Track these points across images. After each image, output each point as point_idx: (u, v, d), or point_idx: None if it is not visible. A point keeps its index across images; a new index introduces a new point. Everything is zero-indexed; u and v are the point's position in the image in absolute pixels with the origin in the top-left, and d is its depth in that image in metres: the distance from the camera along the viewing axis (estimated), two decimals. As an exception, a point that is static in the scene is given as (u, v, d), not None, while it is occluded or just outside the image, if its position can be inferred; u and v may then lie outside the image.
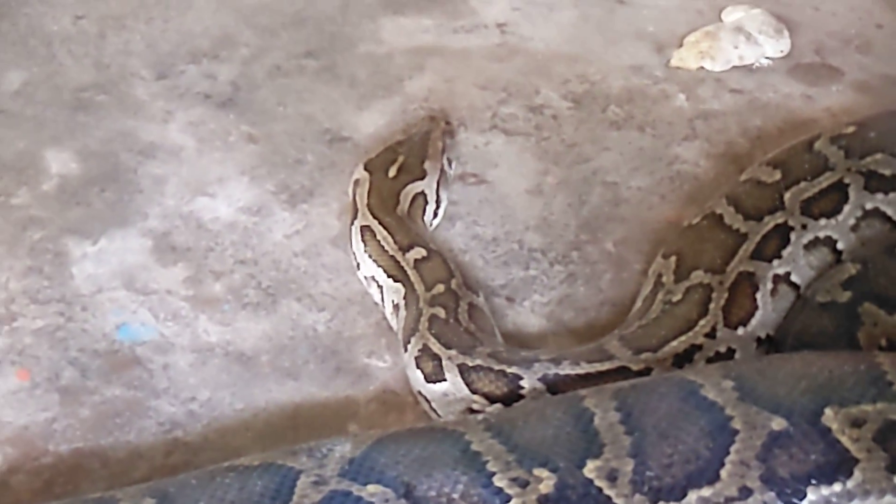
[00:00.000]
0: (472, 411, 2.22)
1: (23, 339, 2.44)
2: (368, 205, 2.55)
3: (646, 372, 2.19)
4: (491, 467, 1.90)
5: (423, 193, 2.60)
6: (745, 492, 1.90)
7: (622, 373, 2.18)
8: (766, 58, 3.08)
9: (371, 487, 1.90)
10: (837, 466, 1.90)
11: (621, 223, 2.68)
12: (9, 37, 3.17)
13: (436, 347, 2.27)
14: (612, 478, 1.89)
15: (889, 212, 2.48)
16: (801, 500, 1.90)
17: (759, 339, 2.33)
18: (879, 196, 2.48)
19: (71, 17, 3.23)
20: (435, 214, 2.63)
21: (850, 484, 1.90)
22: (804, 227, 2.43)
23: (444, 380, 2.25)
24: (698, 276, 2.34)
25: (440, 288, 2.38)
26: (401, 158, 2.64)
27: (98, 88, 3.02)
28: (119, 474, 2.22)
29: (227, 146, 2.86)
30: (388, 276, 2.45)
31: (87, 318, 2.48)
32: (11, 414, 2.31)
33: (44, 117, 2.93)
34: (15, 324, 2.46)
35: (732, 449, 1.90)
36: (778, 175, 2.48)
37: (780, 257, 2.40)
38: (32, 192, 2.74)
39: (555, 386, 2.18)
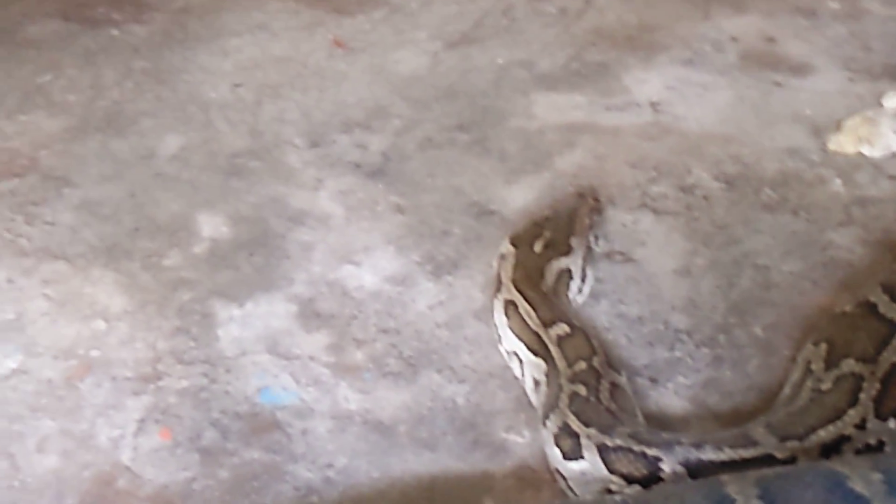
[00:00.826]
0: (610, 492, 2.17)
1: (167, 398, 2.47)
2: (513, 279, 2.54)
3: (791, 460, 2.13)
4: (627, 549, 1.87)
5: (568, 270, 2.58)
6: (892, 590, 1.83)
7: (766, 460, 2.12)
8: (927, 145, 3.02)
9: (503, 564, 1.88)
10: None
11: (771, 307, 2.63)
12: (169, 102, 3.25)
13: (575, 425, 2.24)
14: (752, 567, 1.84)
15: None
16: None
17: (911, 433, 2.25)
18: None
19: (229, 84, 3.31)
20: (580, 291, 2.61)
21: None
22: (962, 318, 2.36)
23: (583, 458, 2.22)
24: (849, 364, 2.28)
25: (582, 365, 2.35)
26: (547, 234, 2.63)
27: (252, 155, 3.07)
28: (253, 537, 2.23)
29: (375, 215, 2.88)
30: (530, 351, 2.43)
31: (231, 381, 2.50)
32: (152, 472, 2.33)
33: (198, 181, 2.99)
34: (160, 383, 2.49)
35: (880, 544, 1.84)
36: (936, 264, 2.42)
37: (935, 349, 2.32)
38: (184, 254, 2.79)
39: (696, 470, 2.13)
